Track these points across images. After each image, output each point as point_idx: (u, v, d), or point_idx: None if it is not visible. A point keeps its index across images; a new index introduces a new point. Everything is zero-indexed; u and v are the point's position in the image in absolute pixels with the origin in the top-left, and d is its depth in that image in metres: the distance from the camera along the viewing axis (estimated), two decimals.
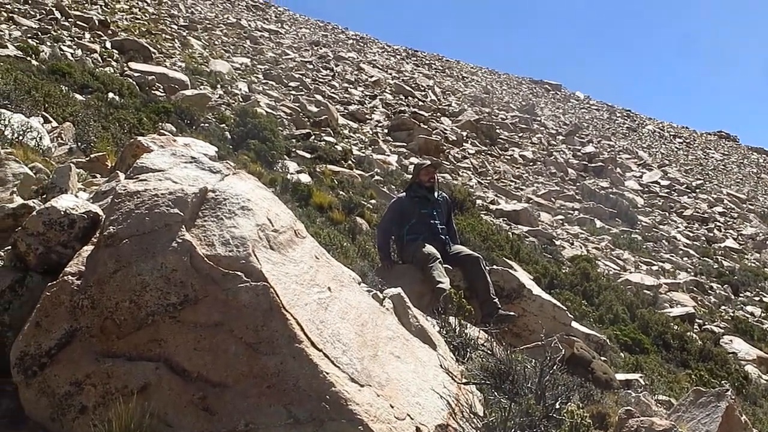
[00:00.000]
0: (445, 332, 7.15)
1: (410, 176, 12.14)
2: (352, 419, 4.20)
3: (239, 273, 4.49)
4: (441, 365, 5.75)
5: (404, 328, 5.89)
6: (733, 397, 6.75)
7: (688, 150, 72.74)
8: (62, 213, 5.08)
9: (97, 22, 33.01)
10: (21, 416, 4.41)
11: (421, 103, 47.13)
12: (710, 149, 76.88)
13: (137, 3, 45.07)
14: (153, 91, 26.32)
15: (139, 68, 28.48)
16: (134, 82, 25.76)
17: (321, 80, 43.78)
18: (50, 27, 29.22)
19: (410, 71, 61.66)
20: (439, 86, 59.39)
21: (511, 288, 10.72)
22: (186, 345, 4.35)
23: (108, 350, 4.39)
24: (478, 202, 28.60)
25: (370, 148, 32.33)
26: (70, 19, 31.62)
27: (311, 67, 46.79)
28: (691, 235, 38.17)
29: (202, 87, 30.40)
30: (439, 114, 45.57)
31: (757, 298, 28.21)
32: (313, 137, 29.49)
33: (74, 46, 28.19)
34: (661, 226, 38.26)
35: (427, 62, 74.61)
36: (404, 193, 11.18)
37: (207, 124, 24.10)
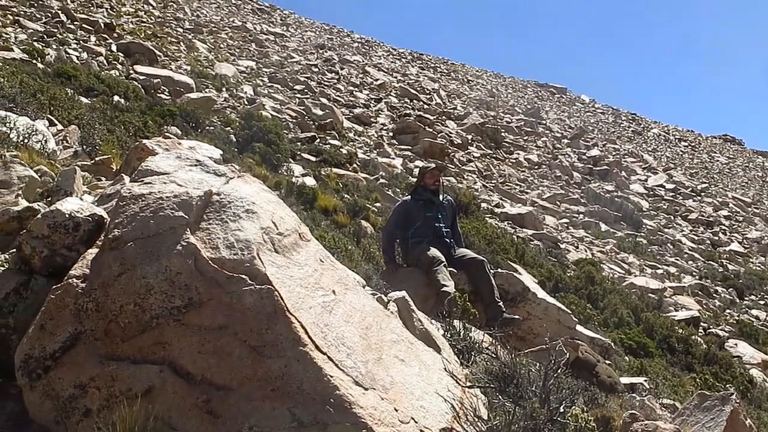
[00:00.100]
0: (449, 335, 7.15)
1: (415, 179, 12.14)
2: (357, 422, 4.20)
3: (244, 276, 4.49)
4: (445, 368, 5.75)
5: (408, 332, 5.89)
6: (738, 400, 6.75)
7: (693, 153, 72.67)
8: (67, 216, 5.08)
9: (102, 25, 33.08)
10: (25, 419, 4.41)
11: (426, 106, 47.15)
12: (715, 152, 76.79)
13: (143, 6, 45.17)
14: (158, 94, 26.36)
15: (144, 71, 28.52)
16: (139, 85, 25.81)
17: (326, 83, 43.82)
18: (56, 30, 29.28)
19: (415, 74, 61.73)
20: (445, 89, 59.46)
21: (516, 291, 10.71)
22: (190, 348, 4.35)
23: (112, 353, 4.39)
24: (483, 205, 28.58)
25: (375, 152, 32.33)
26: (75, 23, 31.69)
27: (316, 70, 46.85)
28: (696, 238, 38.11)
29: (207, 90, 30.43)
30: (444, 117, 45.58)
31: (762, 302, 28.15)
32: (318, 140, 29.51)
33: (80, 49, 28.24)
34: (666, 230, 38.22)
35: (433, 65, 74.68)
36: (409, 197, 11.18)
37: (212, 127, 24.13)
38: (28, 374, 4.40)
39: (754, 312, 26.23)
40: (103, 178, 8.83)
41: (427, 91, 53.59)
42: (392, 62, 65.47)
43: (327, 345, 4.49)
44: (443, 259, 10.04)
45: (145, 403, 4.14)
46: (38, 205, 5.97)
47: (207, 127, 23.62)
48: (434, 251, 10.15)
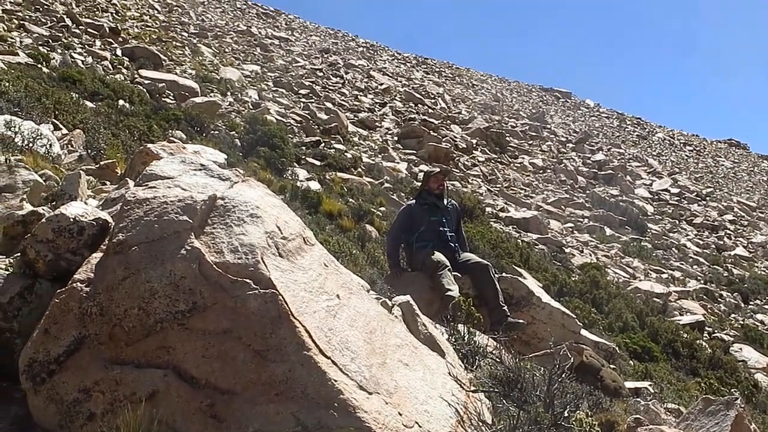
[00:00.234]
0: (453, 340, 7.15)
1: (420, 184, 12.13)
2: (361, 427, 4.20)
3: (248, 280, 4.49)
4: (449, 373, 5.75)
5: (413, 336, 5.89)
6: (743, 405, 6.74)
7: (698, 158, 72.60)
8: (71, 220, 5.09)
9: (107, 29, 33.13)
10: (29, 423, 4.41)
11: (430, 110, 47.13)
12: (720, 157, 76.72)
13: (148, 10, 45.22)
14: (163, 99, 26.40)
15: (149, 75, 28.57)
16: (144, 90, 25.84)
17: (331, 88, 43.83)
18: (61, 34, 29.33)
19: (420, 79, 61.70)
20: (449, 94, 59.42)
21: (521, 296, 10.71)
22: (194, 352, 4.35)
23: (116, 357, 4.39)
24: (488, 209, 28.60)
25: (379, 156, 32.36)
26: (80, 27, 31.73)
27: (321, 74, 46.86)
28: (701, 243, 38.07)
29: (212, 94, 30.46)
30: (448, 121, 45.58)
31: (767, 306, 28.13)
32: (322, 144, 29.53)
33: (85, 54, 28.28)
34: (671, 234, 38.18)
35: (437, 70, 74.66)
36: (414, 201, 11.19)
37: (217, 132, 24.14)
38: (32, 378, 4.40)
39: (759, 316, 26.20)
40: (107, 183, 8.85)
41: (432, 96, 53.57)
42: (397, 67, 65.48)
43: (331, 349, 4.49)
44: (448, 264, 10.05)
45: (149, 407, 4.14)
46: (43, 209, 5.97)
47: (212, 132, 23.63)
48: (439, 255, 10.15)
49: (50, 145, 10.23)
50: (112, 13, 39.46)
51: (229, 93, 32.39)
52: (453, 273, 10.02)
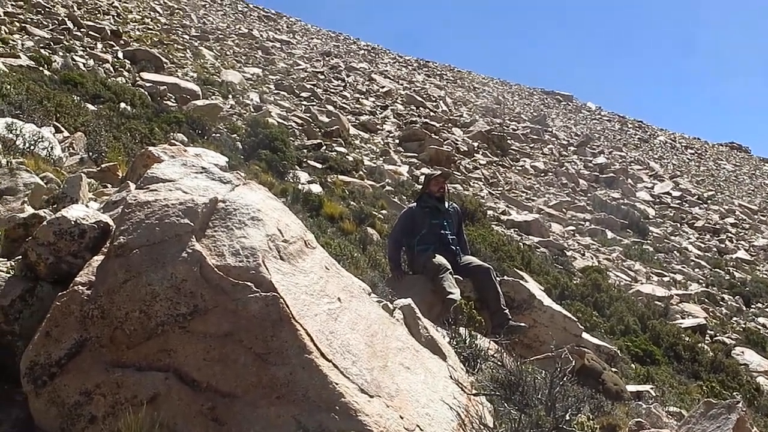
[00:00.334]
0: (455, 343, 7.14)
1: (421, 186, 12.14)
2: (362, 430, 4.20)
3: (249, 283, 4.49)
4: (451, 376, 5.74)
5: (414, 339, 5.89)
6: (744, 409, 6.73)
7: (699, 161, 72.60)
8: (73, 223, 5.08)
9: (109, 32, 33.18)
10: (31, 426, 4.41)
11: (432, 113, 47.16)
12: (722, 160, 76.71)
13: (149, 13, 45.28)
14: (165, 101, 26.42)
15: (150, 78, 28.60)
16: (146, 92, 25.86)
17: (332, 91, 43.85)
18: (62, 37, 29.37)
19: (421, 82, 61.72)
20: (451, 97, 59.45)
21: (522, 299, 10.71)
22: (195, 355, 4.35)
23: (118, 360, 4.39)
24: (489, 212, 28.60)
25: (381, 159, 32.36)
26: (82, 30, 31.77)
27: (323, 77, 46.86)
28: (703, 246, 38.05)
29: (213, 97, 30.48)
30: (450, 124, 45.60)
31: None
32: (324, 147, 29.55)
33: (86, 56, 28.33)
34: (672, 237, 38.17)
35: (439, 73, 74.68)
36: (415, 204, 11.18)
37: (218, 135, 24.15)
38: (34, 381, 4.40)
39: (761, 320, 26.18)
40: (108, 185, 8.84)
41: (434, 99, 53.58)
42: (398, 69, 65.51)
43: (332, 352, 4.49)
44: (449, 267, 10.05)
45: (151, 410, 4.14)
46: (44, 212, 5.97)
47: (213, 134, 23.63)
48: (440, 259, 10.15)
49: (51, 148, 10.24)
50: (113, 15, 39.53)
51: (230, 96, 32.42)
52: (454, 276, 10.02)
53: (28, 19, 30.02)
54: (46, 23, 30.57)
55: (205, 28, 49.34)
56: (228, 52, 43.96)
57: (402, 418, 4.52)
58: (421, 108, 47.56)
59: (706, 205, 48.59)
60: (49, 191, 7.39)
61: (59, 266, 5.03)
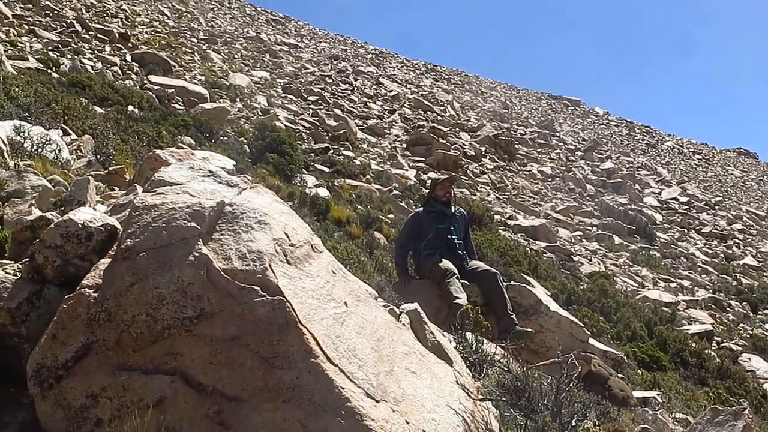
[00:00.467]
0: (461, 348, 7.14)
1: (428, 191, 12.14)
2: None
3: (255, 287, 4.49)
4: (457, 381, 5.74)
5: (420, 344, 5.89)
6: (751, 416, 6.71)
7: (707, 167, 72.48)
8: (80, 226, 5.09)
9: (117, 35, 33.24)
10: (37, 428, 4.41)
11: (440, 117, 47.16)
12: (729, 166, 76.57)
13: (158, 16, 45.38)
14: (172, 105, 26.45)
15: (158, 81, 28.61)
16: (154, 95, 25.89)
17: (340, 94, 43.87)
18: (71, 40, 29.41)
19: (429, 86, 61.78)
20: (458, 101, 59.47)
21: (529, 304, 10.70)
22: (202, 359, 4.35)
23: (124, 363, 4.39)
24: (496, 217, 28.57)
25: (388, 163, 32.37)
26: (90, 32, 31.84)
27: (330, 81, 46.90)
28: (710, 252, 37.96)
29: (221, 100, 30.50)
30: (457, 129, 45.58)
31: None
32: (331, 151, 29.57)
33: (94, 59, 28.38)
34: (679, 243, 38.07)
35: (447, 77, 74.74)
36: (421, 208, 11.19)
37: (226, 138, 24.17)
38: (40, 384, 4.40)
39: None
40: (116, 188, 8.86)
41: (441, 103, 53.60)
42: (406, 74, 65.55)
43: (338, 357, 4.49)
44: (456, 272, 10.05)
45: (157, 413, 4.14)
46: (51, 214, 5.98)
47: (221, 138, 23.66)
48: (447, 263, 10.15)
49: (59, 151, 10.26)
50: (121, 18, 39.63)
51: (238, 99, 32.45)
52: (461, 281, 10.02)
53: (37, 22, 30.10)
54: (54, 26, 30.64)
55: (213, 31, 49.42)
56: (236, 56, 44.02)
57: (408, 423, 4.52)
58: (428, 112, 47.58)
59: (713, 211, 48.48)
60: (57, 194, 7.40)
61: (66, 269, 5.04)
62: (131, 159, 12.94)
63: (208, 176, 5.47)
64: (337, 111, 37.89)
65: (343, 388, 4.30)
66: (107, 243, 5.12)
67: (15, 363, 4.74)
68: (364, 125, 38.24)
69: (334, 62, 55.71)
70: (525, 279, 13.17)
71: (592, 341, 11.82)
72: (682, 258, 34.74)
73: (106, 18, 37.71)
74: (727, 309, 27.31)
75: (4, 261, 5.52)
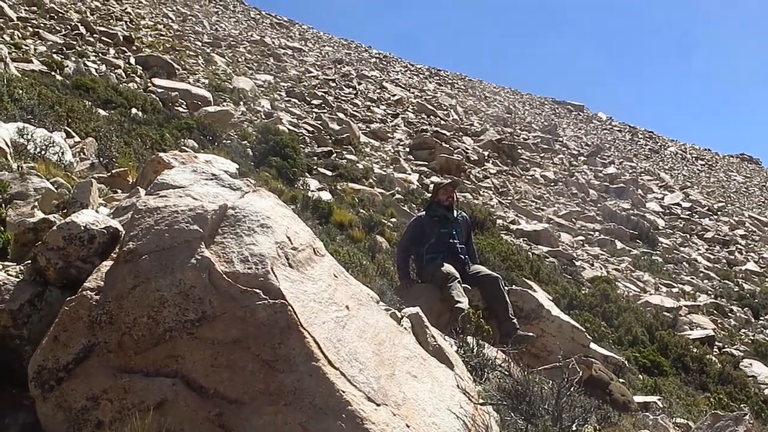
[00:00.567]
0: (462, 352, 7.14)
1: (430, 195, 12.15)
2: None
3: (257, 290, 4.49)
4: (458, 385, 5.74)
5: (422, 348, 5.89)
6: (752, 421, 6.72)
7: (710, 172, 72.49)
8: (82, 228, 5.09)
9: (121, 38, 33.26)
10: (38, 430, 4.41)
11: (443, 122, 47.18)
12: (732, 171, 76.57)
13: (162, 20, 45.43)
14: (176, 108, 26.47)
15: (162, 84, 28.64)
16: (157, 98, 25.92)
17: (343, 98, 43.87)
18: (75, 42, 29.44)
19: (433, 90, 61.79)
20: (462, 105, 59.49)
21: (530, 308, 10.71)
22: (203, 361, 4.35)
23: (125, 366, 4.40)
24: (499, 221, 28.58)
25: (391, 167, 32.36)
26: (94, 35, 31.88)
27: (334, 85, 46.91)
28: (712, 257, 37.92)
29: (224, 104, 30.51)
30: (461, 133, 45.59)
31: None
32: (334, 155, 29.57)
33: (98, 62, 28.41)
34: (681, 248, 38.05)
35: (450, 81, 74.79)
36: (424, 212, 11.20)
37: (229, 141, 24.19)
38: (41, 385, 4.40)
39: None
40: (119, 191, 8.87)
41: (444, 107, 53.63)
42: (410, 78, 65.60)
43: (340, 360, 4.49)
44: (458, 276, 10.06)
45: (158, 416, 4.15)
46: (54, 216, 5.99)
47: (224, 141, 23.68)
48: (449, 267, 10.16)
49: (62, 153, 10.26)
50: (126, 21, 39.67)
51: (241, 102, 32.47)
52: (463, 285, 10.03)
53: (41, 24, 30.14)
54: (58, 28, 30.68)
55: (218, 34, 49.50)
56: (240, 59, 44.05)
57: (408, 426, 4.52)
58: (431, 116, 47.59)
59: (716, 217, 48.45)
60: (60, 196, 7.41)
61: (68, 271, 5.04)
62: (134, 162, 12.96)
63: (211, 179, 5.48)
64: (341, 115, 37.88)
65: (344, 392, 4.30)
66: (109, 245, 5.12)
67: (16, 365, 4.75)
68: (368, 129, 38.24)
69: (338, 66, 55.72)
70: (527, 283, 13.16)
71: (593, 346, 11.83)
72: (684, 263, 34.72)
73: (111, 21, 37.75)
74: (729, 314, 27.29)
75: (7, 263, 5.53)
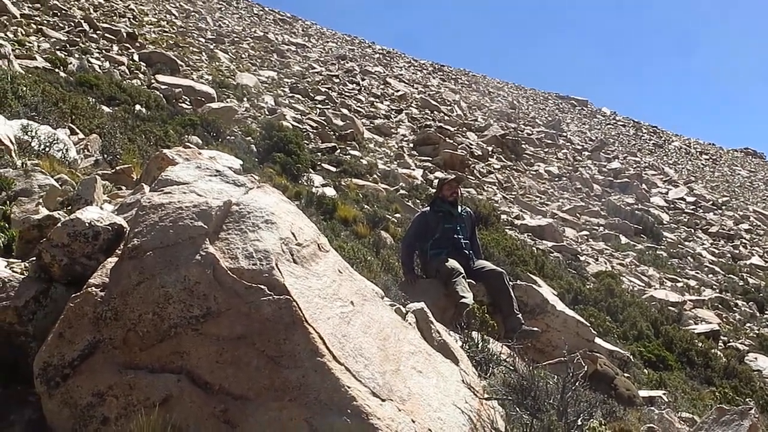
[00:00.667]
0: (467, 347, 7.14)
1: (434, 191, 12.14)
2: None
3: (262, 286, 4.49)
4: (463, 380, 5.73)
5: (426, 343, 5.88)
6: (757, 415, 6.70)
7: (714, 167, 72.40)
8: (87, 225, 5.09)
9: (125, 34, 33.30)
10: (43, 427, 4.41)
11: (446, 117, 47.12)
12: (736, 166, 76.47)
13: (165, 16, 45.44)
14: (179, 104, 26.49)
15: (166, 81, 28.66)
16: (161, 95, 25.94)
17: (347, 94, 43.87)
18: (78, 39, 29.45)
19: (436, 86, 61.77)
20: (465, 101, 59.46)
21: (535, 303, 10.70)
22: (208, 357, 4.35)
23: (130, 362, 4.39)
24: (503, 217, 28.56)
25: (395, 162, 32.36)
26: (98, 32, 31.89)
27: (337, 80, 46.90)
28: (717, 251, 37.87)
29: (228, 100, 30.54)
30: (464, 129, 45.52)
31: None
32: (338, 151, 29.59)
33: (102, 59, 28.42)
34: (686, 243, 38.00)
35: (454, 77, 74.77)
36: (428, 208, 11.20)
37: (233, 137, 24.20)
38: (47, 382, 4.40)
39: None
40: (123, 188, 8.86)
41: (448, 103, 53.58)
42: (413, 73, 65.55)
43: (345, 356, 4.49)
44: (462, 271, 10.05)
45: (163, 412, 4.14)
46: (58, 213, 5.99)
47: (228, 137, 23.67)
48: (453, 263, 10.16)
49: (66, 150, 10.28)
50: (129, 18, 39.69)
51: (245, 99, 32.49)
52: (467, 280, 10.03)
53: (45, 21, 30.15)
54: (62, 25, 30.70)
55: (221, 31, 49.49)
56: (243, 55, 44.07)
57: (414, 421, 4.52)
58: (435, 112, 47.55)
59: (720, 211, 48.39)
60: (64, 193, 7.41)
61: (73, 268, 5.04)
62: (138, 158, 12.96)
63: (215, 176, 5.48)
64: (344, 111, 37.89)
65: (349, 387, 4.30)
66: (114, 242, 5.12)
67: (22, 361, 4.74)
68: (371, 125, 38.25)
69: (342, 62, 55.73)
70: (531, 278, 13.19)
71: (598, 341, 11.82)
72: (688, 258, 34.70)
73: (114, 17, 37.78)
74: (734, 309, 27.27)
75: (12, 260, 5.53)
